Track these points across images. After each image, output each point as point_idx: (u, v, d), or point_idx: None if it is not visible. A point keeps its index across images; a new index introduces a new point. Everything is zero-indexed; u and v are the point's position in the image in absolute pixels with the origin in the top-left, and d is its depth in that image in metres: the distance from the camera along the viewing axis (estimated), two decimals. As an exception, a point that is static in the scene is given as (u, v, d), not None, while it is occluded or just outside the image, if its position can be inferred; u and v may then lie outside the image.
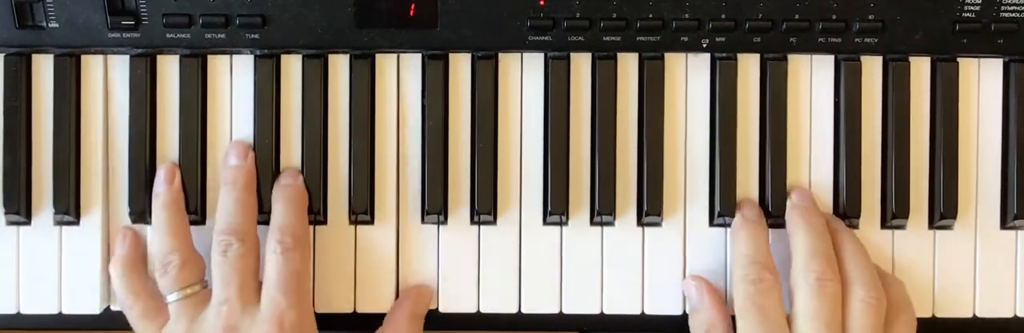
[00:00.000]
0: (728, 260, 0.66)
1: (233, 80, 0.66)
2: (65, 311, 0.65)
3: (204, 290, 0.63)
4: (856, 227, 0.66)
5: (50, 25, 0.64)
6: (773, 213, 0.65)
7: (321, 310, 0.65)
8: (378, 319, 0.65)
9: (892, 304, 0.62)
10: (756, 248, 0.63)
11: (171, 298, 0.62)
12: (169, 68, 0.65)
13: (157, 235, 0.63)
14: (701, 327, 0.63)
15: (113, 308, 0.66)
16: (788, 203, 0.65)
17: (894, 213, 0.65)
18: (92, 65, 0.66)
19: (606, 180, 0.65)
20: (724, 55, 0.65)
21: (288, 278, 0.61)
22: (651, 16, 0.64)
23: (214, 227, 0.63)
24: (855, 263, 0.63)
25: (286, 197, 0.64)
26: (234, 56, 0.66)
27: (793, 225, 0.64)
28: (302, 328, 0.61)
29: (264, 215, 0.64)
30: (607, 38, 0.65)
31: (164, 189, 0.64)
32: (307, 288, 0.63)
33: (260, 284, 0.62)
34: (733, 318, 0.63)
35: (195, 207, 0.65)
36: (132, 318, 0.63)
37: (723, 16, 0.64)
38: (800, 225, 0.63)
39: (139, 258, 0.65)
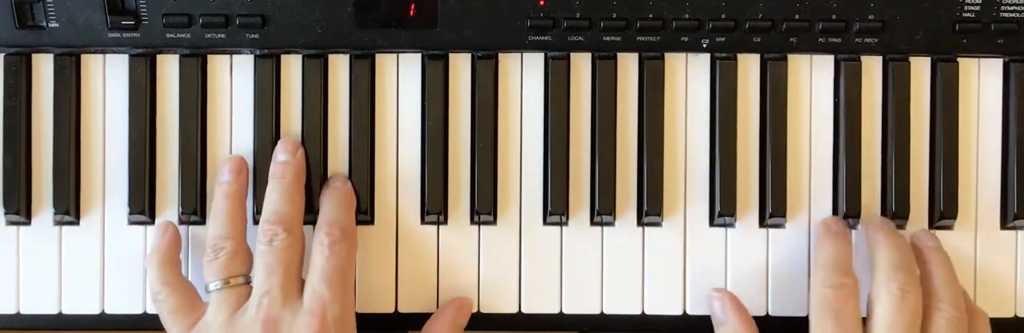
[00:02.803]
0: (727, 260, 0.66)
1: (233, 80, 0.66)
2: (64, 311, 0.65)
3: (247, 285, 0.62)
4: (855, 227, 0.66)
5: (50, 25, 0.64)
6: (773, 213, 0.65)
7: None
8: (378, 320, 0.65)
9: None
10: (839, 254, 0.62)
11: (214, 286, 0.61)
12: (169, 68, 0.65)
13: (215, 222, 0.63)
14: None
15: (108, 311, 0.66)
16: (869, 222, 0.65)
17: (894, 213, 0.65)
18: (92, 65, 0.66)
19: (606, 180, 0.65)
20: (724, 55, 0.65)
21: (334, 271, 0.60)
22: (651, 16, 0.64)
23: (261, 218, 0.62)
24: (943, 281, 0.62)
25: (337, 196, 0.64)
26: (234, 56, 0.66)
27: (874, 241, 0.63)
28: (344, 322, 0.60)
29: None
30: (607, 38, 0.65)
31: (231, 178, 0.64)
32: (350, 283, 0.62)
33: (302, 278, 0.62)
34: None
35: (194, 207, 0.65)
36: (164, 312, 0.62)
37: (723, 16, 0.64)
38: (882, 240, 0.63)
39: (176, 252, 0.64)
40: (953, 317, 0.60)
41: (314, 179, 0.65)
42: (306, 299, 0.60)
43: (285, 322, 0.59)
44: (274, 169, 0.64)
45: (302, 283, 0.61)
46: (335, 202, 0.64)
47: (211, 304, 0.61)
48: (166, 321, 0.62)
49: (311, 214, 0.64)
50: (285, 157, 0.64)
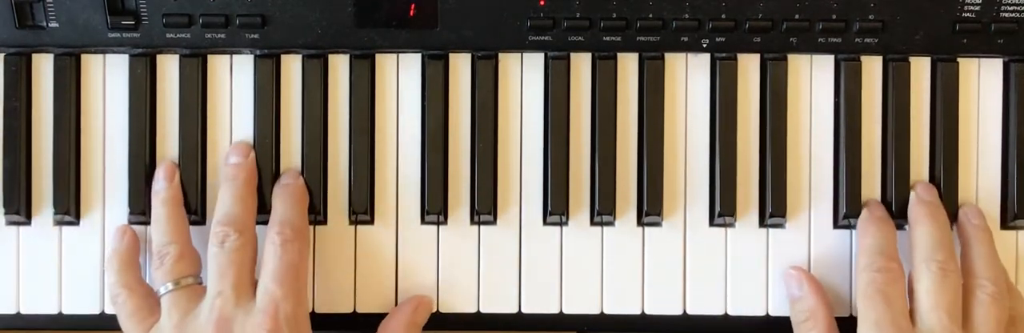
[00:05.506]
0: (727, 260, 0.66)
1: (233, 80, 0.66)
2: (65, 311, 0.65)
3: (199, 285, 0.62)
4: (854, 227, 0.66)
5: (50, 25, 0.64)
6: (773, 213, 0.65)
7: (321, 310, 0.66)
8: (378, 319, 0.65)
9: (1018, 316, 0.62)
10: (884, 240, 0.63)
11: (164, 289, 0.62)
12: (169, 68, 0.65)
13: (156, 228, 0.63)
14: (802, 314, 0.63)
15: (108, 311, 0.65)
16: (912, 197, 0.64)
17: (894, 213, 0.65)
18: (92, 65, 0.66)
19: (606, 180, 0.65)
20: (724, 55, 0.65)
21: (286, 270, 0.61)
22: (651, 16, 0.64)
23: (213, 219, 0.63)
24: (983, 259, 0.63)
25: (287, 194, 0.64)
26: (234, 56, 0.66)
27: (916, 218, 0.63)
28: (297, 320, 0.60)
29: (264, 215, 0.64)
30: (607, 38, 0.65)
31: (164, 185, 0.64)
32: (304, 281, 0.62)
33: (255, 279, 0.62)
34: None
35: (195, 207, 0.65)
36: (122, 316, 0.62)
37: (723, 16, 0.64)
38: (923, 217, 0.63)
39: (135, 255, 0.64)
40: (994, 292, 0.61)
41: (317, 180, 0.65)
42: (259, 298, 0.60)
43: (238, 321, 0.59)
44: (226, 171, 0.64)
45: (255, 283, 0.62)
46: (286, 201, 0.64)
47: (164, 307, 0.61)
48: (124, 325, 0.62)
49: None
50: (237, 159, 0.64)
